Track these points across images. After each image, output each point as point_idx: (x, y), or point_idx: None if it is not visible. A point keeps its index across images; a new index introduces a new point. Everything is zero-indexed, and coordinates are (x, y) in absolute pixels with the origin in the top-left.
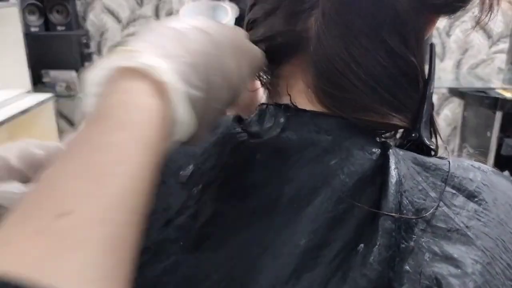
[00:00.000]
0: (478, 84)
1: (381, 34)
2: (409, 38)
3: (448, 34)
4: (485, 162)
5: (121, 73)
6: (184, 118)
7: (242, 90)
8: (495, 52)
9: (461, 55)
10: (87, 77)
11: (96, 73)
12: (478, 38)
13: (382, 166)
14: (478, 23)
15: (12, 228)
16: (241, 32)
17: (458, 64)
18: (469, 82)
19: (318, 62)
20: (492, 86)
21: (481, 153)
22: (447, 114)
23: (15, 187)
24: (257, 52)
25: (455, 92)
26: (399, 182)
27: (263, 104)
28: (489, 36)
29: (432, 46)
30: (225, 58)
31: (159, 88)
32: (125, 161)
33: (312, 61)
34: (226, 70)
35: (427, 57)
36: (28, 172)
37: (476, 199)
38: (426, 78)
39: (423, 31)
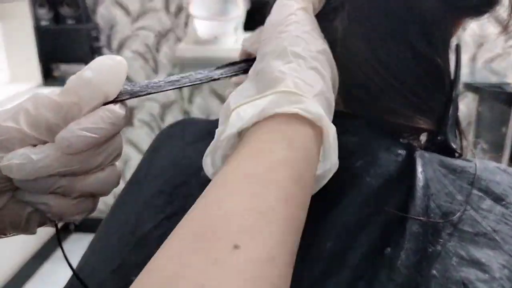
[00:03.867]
0: (494, 79)
1: (407, 37)
2: (435, 40)
3: (463, 28)
4: (499, 158)
5: (279, 114)
6: (334, 162)
7: None
8: (511, 46)
9: (477, 49)
10: (233, 110)
11: (246, 109)
12: (493, 32)
13: (408, 168)
14: (506, 29)
15: (193, 256)
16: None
17: (473, 59)
18: (484, 77)
19: (344, 65)
20: (508, 81)
21: (496, 149)
22: (461, 109)
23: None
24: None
25: (469, 87)
26: (426, 186)
27: None
28: None
29: (458, 47)
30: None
31: (317, 131)
32: (286, 200)
33: (338, 64)
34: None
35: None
36: (40, 136)
37: (503, 202)
38: (452, 80)
39: (450, 34)
